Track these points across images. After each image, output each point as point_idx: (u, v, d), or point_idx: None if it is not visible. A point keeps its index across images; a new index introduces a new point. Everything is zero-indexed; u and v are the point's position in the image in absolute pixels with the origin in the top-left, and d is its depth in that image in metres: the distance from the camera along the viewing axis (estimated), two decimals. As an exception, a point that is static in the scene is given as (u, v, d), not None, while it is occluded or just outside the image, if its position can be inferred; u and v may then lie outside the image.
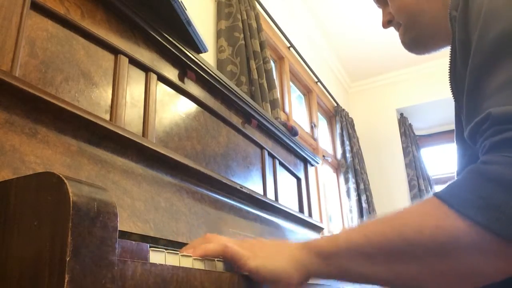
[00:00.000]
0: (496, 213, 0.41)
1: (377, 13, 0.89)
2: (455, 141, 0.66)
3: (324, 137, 3.64)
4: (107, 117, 0.76)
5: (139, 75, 0.87)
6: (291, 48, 2.90)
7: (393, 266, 0.48)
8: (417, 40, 0.78)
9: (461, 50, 0.56)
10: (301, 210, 1.59)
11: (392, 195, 3.90)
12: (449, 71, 0.62)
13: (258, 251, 0.57)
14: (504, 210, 0.41)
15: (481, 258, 0.43)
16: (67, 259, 0.33)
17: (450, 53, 0.62)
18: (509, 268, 0.43)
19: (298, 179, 1.64)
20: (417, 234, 0.45)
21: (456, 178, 0.47)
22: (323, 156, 3.33)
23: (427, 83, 3.99)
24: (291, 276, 0.54)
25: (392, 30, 0.85)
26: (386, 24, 0.83)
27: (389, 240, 0.47)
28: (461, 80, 0.57)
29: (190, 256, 0.54)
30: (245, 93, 1.72)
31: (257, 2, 2.36)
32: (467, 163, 0.59)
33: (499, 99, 0.46)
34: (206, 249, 0.56)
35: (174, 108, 0.96)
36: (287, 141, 1.53)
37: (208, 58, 1.76)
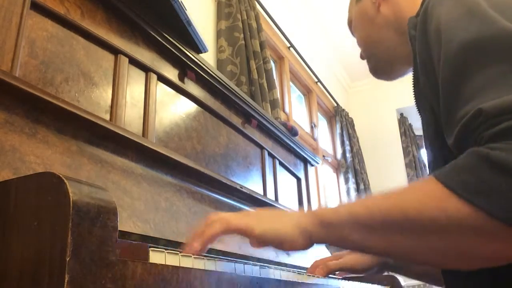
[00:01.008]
0: (497, 198, 0.41)
1: None
2: (424, 146, 0.69)
3: (324, 137, 3.64)
4: (107, 117, 0.76)
5: (139, 75, 0.87)
6: (291, 48, 2.90)
7: (391, 238, 0.49)
8: (376, 69, 0.84)
9: (422, 67, 0.58)
10: (301, 210, 1.59)
11: (392, 195, 3.89)
12: (413, 89, 0.65)
13: (263, 217, 0.60)
14: (506, 195, 0.41)
15: (479, 240, 0.44)
16: (67, 259, 0.33)
17: (413, 71, 0.64)
18: (507, 251, 0.44)
19: (298, 179, 1.64)
20: (418, 212, 0.46)
21: (455, 160, 0.47)
22: (323, 156, 3.33)
23: (427, 83, 3.99)
24: (295, 239, 0.57)
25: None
26: (364, 57, 0.88)
27: (390, 215, 0.49)
28: (425, 97, 0.59)
29: (190, 256, 0.54)
30: (245, 93, 1.72)
31: (257, 2, 2.36)
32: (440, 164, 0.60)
33: (484, 96, 0.46)
34: (211, 233, 0.57)
35: (174, 108, 0.96)
36: (287, 141, 1.52)
37: (208, 58, 1.76)
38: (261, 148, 1.36)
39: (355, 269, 0.96)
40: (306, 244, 0.58)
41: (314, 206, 1.79)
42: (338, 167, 3.55)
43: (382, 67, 0.84)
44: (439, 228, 0.45)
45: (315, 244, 0.59)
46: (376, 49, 0.81)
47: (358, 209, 0.53)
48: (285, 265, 1.02)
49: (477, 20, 0.51)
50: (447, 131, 0.53)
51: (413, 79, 0.64)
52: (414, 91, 0.65)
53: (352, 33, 0.92)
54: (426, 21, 0.58)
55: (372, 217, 0.50)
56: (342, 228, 0.53)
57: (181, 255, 0.52)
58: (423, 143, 0.71)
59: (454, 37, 0.52)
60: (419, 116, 0.67)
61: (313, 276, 0.90)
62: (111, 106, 0.77)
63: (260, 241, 0.58)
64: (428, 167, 0.67)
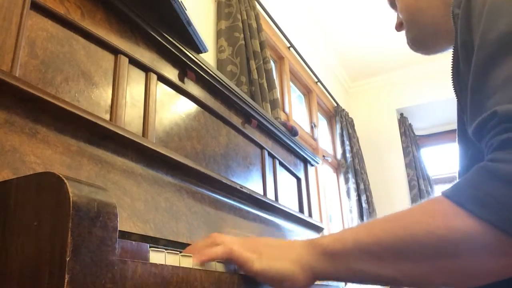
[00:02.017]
0: (503, 210, 0.41)
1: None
2: (457, 141, 0.66)
3: (324, 137, 3.64)
4: (107, 117, 0.76)
5: (139, 75, 0.87)
6: (291, 48, 2.90)
7: (402, 265, 0.47)
8: (417, 39, 0.78)
9: (463, 49, 0.56)
10: (301, 210, 1.59)
11: (392, 195, 3.90)
12: (451, 70, 0.62)
13: (263, 252, 0.57)
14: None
15: (490, 256, 0.43)
16: (67, 259, 0.33)
17: (452, 51, 0.61)
18: None
19: (298, 179, 1.64)
20: (428, 233, 0.45)
21: (461, 178, 0.46)
22: (323, 156, 3.33)
23: (427, 83, 3.99)
24: (296, 276, 0.54)
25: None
26: (399, 26, 0.83)
27: (399, 240, 0.47)
28: (463, 79, 0.56)
29: (190, 256, 0.54)
30: (245, 93, 1.72)
31: (257, 2, 2.36)
32: (469, 162, 0.59)
33: (504, 96, 0.46)
34: (212, 254, 0.56)
35: (174, 108, 0.96)
36: (287, 141, 1.53)
37: (208, 58, 1.76)
38: (261, 148, 1.36)
39: None
40: (308, 280, 0.55)
41: (314, 206, 1.78)
42: (338, 167, 3.55)
43: (423, 38, 0.77)
44: (449, 248, 0.44)
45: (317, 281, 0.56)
46: (421, 17, 0.75)
47: (363, 236, 0.50)
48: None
49: None
50: (469, 118, 0.52)
51: (452, 59, 0.61)
52: (452, 72, 0.61)
53: (391, 5, 0.84)
54: (471, 1, 0.56)
55: (379, 243, 0.48)
56: (348, 258, 0.51)
57: (181, 255, 0.52)
58: (456, 137, 0.65)
59: (495, 24, 0.50)
60: (457, 100, 0.63)
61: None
62: (111, 106, 0.77)
63: (259, 278, 0.56)
64: (460, 166, 0.62)
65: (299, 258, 0.54)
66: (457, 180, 0.54)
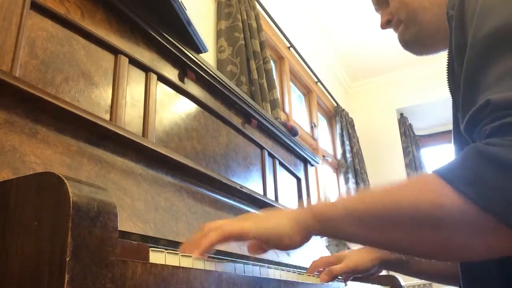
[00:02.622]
0: (492, 193, 0.42)
1: (377, 14, 0.88)
2: (452, 141, 0.66)
3: (324, 137, 3.64)
4: (107, 117, 0.76)
5: (139, 75, 0.87)
6: (291, 48, 2.90)
7: (386, 232, 0.50)
8: (416, 38, 0.77)
9: (457, 51, 0.57)
10: (301, 210, 1.59)
11: (392, 195, 3.89)
12: (447, 70, 0.62)
13: (257, 218, 0.61)
14: (500, 192, 0.41)
15: (473, 234, 0.44)
16: (67, 259, 0.33)
17: (448, 52, 0.62)
18: (499, 246, 0.45)
19: (298, 179, 1.64)
20: (413, 207, 0.47)
21: (456, 157, 0.47)
22: (323, 156, 3.33)
23: (427, 83, 3.99)
24: (292, 234, 0.57)
25: (392, 30, 0.84)
26: (385, 24, 0.82)
27: (385, 209, 0.49)
28: (458, 80, 0.57)
29: (190, 256, 0.54)
30: (245, 93, 1.72)
31: (257, 2, 2.36)
32: None
33: (498, 88, 0.46)
34: (207, 242, 0.57)
35: (174, 108, 0.96)
36: (287, 141, 1.52)
37: (208, 58, 1.76)
38: (261, 148, 1.36)
39: (358, 271, 0.96)
40: (304, 237, 0.58)
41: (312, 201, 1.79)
42: (338, 167, 3.55)
43: (423, 37, 0.75)
44: (434, 222, 0.45)
45: (313, 237, 0.59)
46: (423, 16, 0.72)
47: (354, 204, 0.53)
48: (285, 265, 1.02)
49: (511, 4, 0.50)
50: (461, 115, 0.53)
51: (447, 60, 0.61)
52: (447, 73, 0.62)
53: (377, 4, 0.82)
54: (464, 2, 0.56)
55: (367, 211, 0.51)
56: (338, 222, 0.54)
57: (181, 255, 0.52)
58: (451, 137, 0.66)
59: (486, 22, 0.51)
60: (452, 100, 0.64)
61: (312, 276, 0.90)
62: (111, 106, 0.77)
63: (258, 239, 0.58)
64: None
65: (294, 219, 0.58)
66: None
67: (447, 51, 0.62)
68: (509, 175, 0.41)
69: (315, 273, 0.92)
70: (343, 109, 3.80)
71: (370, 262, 0.95)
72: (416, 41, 0.77)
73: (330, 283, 0.92)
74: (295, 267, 1.08)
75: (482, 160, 0.43)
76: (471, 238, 0.45)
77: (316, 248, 1.44)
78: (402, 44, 0.79)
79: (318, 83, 3.42)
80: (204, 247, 0.56)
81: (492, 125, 0.45)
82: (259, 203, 1.16)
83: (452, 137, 0.66)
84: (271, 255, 0.98)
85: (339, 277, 0.96)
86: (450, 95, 0.63)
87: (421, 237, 0.47)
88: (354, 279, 1.30)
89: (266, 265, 0.83)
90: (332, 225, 0.55)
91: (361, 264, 0.94)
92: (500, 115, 0.44)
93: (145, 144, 0.75)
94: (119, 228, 0.39)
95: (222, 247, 0.81)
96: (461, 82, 0.53)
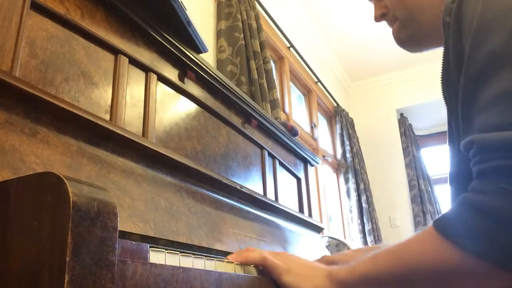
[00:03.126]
0: (483, 241, 0.45)
1: (370, 3, 0.86)
2: (447, 143, 0.67)
3: (324, 137, 3.64)
4: (107, 117, 0.76)
5: (139, 75, 0.87)
6: (291, 48, 2.90)
7: None
8: (413, 37, 0.76)
9: (455, 58, 0.57)
10: (301, 210, 1.59)
11: (392, 195, 3.90)
12: (441, 76, 0.63)
13: (292, 266, 0.67)
14: (491, 238, 0.45)
15: (477, 281, 0.48)
16: (67, 259, 0.33)
17: (442, 58, 0.62)
18: (502, 285, 0.48)
19: (298, 179, 1.64)
20: (420, 264, 0.52)
21: (451, 207, 0.51)
22: (323, 156, 3.33)
23: (427, 83, 3.99)
24: None
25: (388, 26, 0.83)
26: (379, 17, 0.81)
27: (397, 270, 0.55)
28: (453, 86, 0.58)
29: (190, 256, 0.54)
30: (245, 93, 1.72)
31: (257, 2, 2.36)
32: (459, 164, 0.61)
33: (483, 119, 0.49)
34: (247, 257, 0.66)
35: (174, 108, 0.96)
36: (287, 141, 1.53)
37: (208, 58, 1.76)
38: (261, 148, 1.36)
39: None
40: None
41: (314, 206, 1.78)
42: (338, 167, 3.55)
43: (419, 36, 0.74)
44: (439, 276, 0.50)
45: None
46: (421, 15, 0.71)
47: (369, 268, 0.59)
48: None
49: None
50: (462, 131, 0.55)
51: (442, 66, 0.62)
52: (442, 79, 0.63)
53: None
54: (462, 9, 0.56)
55: (381, 274, 0.56)
56: (357, 287, 0.59)
57: (181, 255, 0.52)
58: (447, 141, 0.67)
59: (484, 41, 0.51)
60: (446, 107, 0.65)
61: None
62: (111, 106, 0.77)
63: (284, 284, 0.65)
64: (451, 168, 0.65)
65: (320, 284, 0.63)
66: (449, 179, 0.62)
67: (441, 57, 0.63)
68: (498, 223, 0.44)
69: None
70: (343, 109, 3.80)
71: None
72: (412, 41, 0.77)
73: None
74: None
75: (471, 212, 0.47)
76: (476, 283, 0.49)
77: (316, 248, 1.44)
78: (397, 41, 0.79)
79: (318, 83, 3.42)
80: (243, 260, 0.66)
81: (478, 167, 0.48)
82: (259, 203, 1.16)
83: (447, 139, 0.67)
84: (271, 255, 0.98)
85: None
86: (444, 101, 0.64)
87: None
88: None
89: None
90: None
91: None
92: (484, 158, 0.47)
93: (145, 144, 0.75)
94: (119, 228, 0.39)
95: (222, 247, 0.81)
96: (459, 95, 0.55)
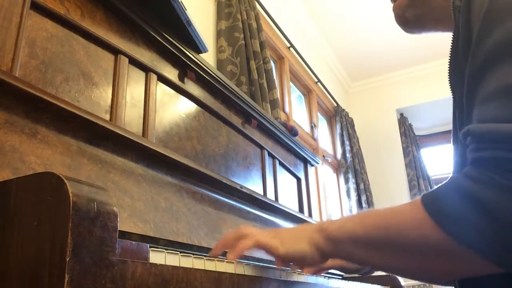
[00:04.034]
0: (466, 227, 0.46)
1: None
2: (451, 139, 0.66)
3: (324, 137, 3.64)
4: (107, 117, 0.76)
5: (139, 75, 0.87)
6: (291, 48, 2.90)
7: (382, 255, 0.56)
8: (419, 18, 0.72)
9: (463, 43, 0.56)
10: (301, 210, 1.59)
11: (392, 195, 3.89)
12: (449, 61, 0.62)
13: (283, 237, 0.66)
14: (473, 226, 0.45)
15: (450, 263, 0.50)
16: (67, 259, 0.33)
17: (451, 43, 0.60)
18: (482, 269, 0.48)
19: (298, 179, 1.64)
20: (403, 235, 0.53)
21: (442, 185, 0.51)
22: (323, 156, 3.33)
23: (427, 83, 3.99)
24: (313, 255, 0.63)
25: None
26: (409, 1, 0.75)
27: (378, 235, 0.55)
28: (460, 72, 0.57)
29: (190, 256, 0.54)
30: (245, 93, 1.72)
31: (257, 2, 2.36)
32: (464, 165, 0.60)
33: (483, 111, 0.49)
34: (243, 247, 0.64)
35: (174, 108, 0.96)
36: (287, 141, 1.52)
37: (208, 58, 1.76)
38: (261, 148, 1.36)
39: (347, 268, 0.95)
40: (322, 258, 0.64)
41: (314, 206, 1.78)
42: (338, 167, 3.55)
43: (424, 20, 0.72)
44: (420, 250, 0.51)
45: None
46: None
47: (356, 227, 0.59)
48: (285, 265, 1.02)
49: None
50: (465, 120, 0.55)
51: (450, 51, 0.61)
52: (449, 64, 0.62)
53: None
54: None
55: (366, 235, 0.57)
56: (345, 245, 0.60)
57: (181, 255, 0.52)
58: (451, 135, 0.67)
59: (494, 28, 0.50)
60: (452, 94, 0.64)
61: (313, 275, 0.90)
62: (111, 106, 0.77)
63: (285, 260, 0.65)
64: (454, 165, 0.65)
65: (312, 241, 0.63)
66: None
67: (448, 49, 0.62)
68: (483, 213, 0.45)
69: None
70: (343, 109, 3.80)
71: None
72: (417, 22, 0.73)
73: (330, 283, 0.92)
74: (295, 267, 1.08)
75: (460, 196, 0.47)
76: (451, 265, 0.50)
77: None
78: (398, 18, 0.75)
79: (318, 83, 3.42)
80: (240, 251, 0.63)
81: (472, 154, 0.48)
82: (259, 203, 1.16)
83: (452, 136, 0.66)
84: (271, 255, 0.98)
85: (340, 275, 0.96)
86: (450, 88, 0.63)
87: (412, 261, 0.53)
88: (354, 279, 1.30)
89: (266, 265, 0.83)
90: (341, 247, 0.61)
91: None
92: (478, 147, 0.47)
93: (145, 144, 0.75)
94: (119, 228, 0.39)
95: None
96: (465, 84, 0.54)
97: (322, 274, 1.00)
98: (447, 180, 0.51)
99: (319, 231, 0.64)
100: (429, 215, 0.49)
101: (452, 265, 0.50)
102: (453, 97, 0.64)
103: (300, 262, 0.65)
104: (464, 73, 0.55)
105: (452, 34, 0.60)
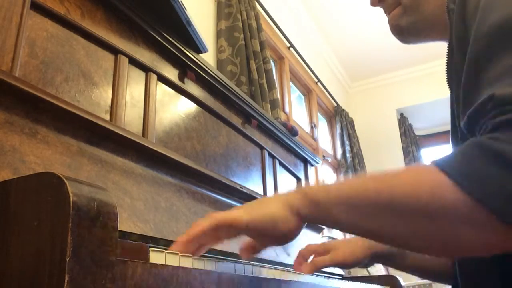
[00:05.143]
0: (491, 188, 0.41)
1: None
2: (450, 140, 0.66)
3: (324, 137, 3.64)
4: (107, 117, 0.76)
5: (139, 75, 0.87)
6: (291, 48, 2.90)
7: (379, 222, 0.49)
8: (413, 27, 0.73)
9: (458, 43, 0.56)
10: (301, 210, 1.59)
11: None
12: (446, 63, 0.62)
13: (250, 205, 0.58)
14: (500, 188, 0.41)
15: (470, 229, 0.44)
16: (67, 259, 0.33)
17: (448, 45, 0.62)
18: (494, 243, 0.44)
19: (298, 179, 1.64)
20: (409, 196, 0.46)
21: (456, 149, 0.46)
22: (323, 156, 3.33)
23: (427, 83, 3.99)
24: (287, 219, 0.55)
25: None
26: (377, 2, 0.78)
27: (379, 197, 0.48)
28: (457, 71, 0.57)
29: (190, 256, 0.54)
30: (245, 93, 1.72)
31: (257, 2, 2.36)
32: None
33: (500, 84, 0.46)
34: (198, 228, 0.55)
35: (174, 108, 0.96)
36: (287, 141, 1.52)
37: (208, 58, 1.76)
38: (261, 148, 1.36)
39: (346, 264, 0.91)
40: (298, 224, 0.56)
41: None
42: (338, 167, 3.55)
43: (419, 27, 0.72)
44: (430, 213, 0.45)
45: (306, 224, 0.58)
46: (426, 5, 0.70)
47: (347, 189, 0.52)
48: (285, 265, 1.02)
49: None
50: (462, 111, 0.52)
51: (447, 52, 0.61)
52: (447, 68, 0.62)
53: None
54: None
55: (360, 198, 0.49)
56: (330, 207, 0.52)
57: (181, 255, 0.52)
58: (449, 136, 0.66)
59: (489, 17, 0.50)
60: (450, 94, 0.64)
61: (312, 275, 0.90)
62: (111, 106, 0.77)
63: (252, 228, 0.55)
64: None
65: (286, 201, 0.56)
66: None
67: (446, 44, 0.62)
68: (511, 172, 0.40)
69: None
70: (343, 109, 3.80)
71: (361, 254, 0.89)
72: (411, 30, 0.74)
73: (329, 283, 0.92)
74: (295, 267, 1.08)
75: (484, 155, 0.42)
76: (466, 232, 0.44)
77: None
78: (393, 28, 0.75)
79: (318, 83, 3.42)
80: (196, 233, 0.54)
81: (495, 120, 0.44)
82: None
83: (450, 137, 0.66)
84: (271, 255, 0.98)
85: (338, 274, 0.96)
86: (448, 87, 0.63)
87: (415, 228, 0.46)
88: (354, 279, 1.30)
89: (266, 265, 0.83)
90: (323, 210, 0.53)
91: (350, 256, 0.88)
92: (503, 110, 0.43)
93: (145, 144, 0.75)
94: (119, 228, 0.39)
95: (222, 247, 0.81)
96: (462, 76, 0.53)
97: (322, 274, 1.00)
98: (463, 146, 0.45)
99: (298, 192, 0.56)
100: (446, 173, 0.44)
101: (467, 231, 0.44)
102: (451, 97, 0.64)
103: (271, 229, 0.55)
104: (460, 71, 0.54)
105: (449, 36, 0.60)
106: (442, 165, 0.45)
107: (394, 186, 0.47)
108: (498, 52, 0.48)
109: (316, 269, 0.85)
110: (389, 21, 0.76)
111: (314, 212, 0.54)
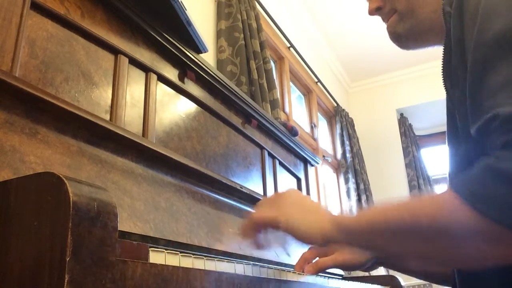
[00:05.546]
0: (502, 206, 0.44)
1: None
2: (446, 140, 0.67)
3: (324, 137, 3.64)
4: (107, 117, 0.76)
5: (139, 75, 0.87)
6: (291, 48, 2.90)
7: (405, 245, 0.55)
8: (410, 32, 0.75)
9: (457, 47, 0.57)
10: (301, 210, 1.59)
11: (392, 195, 3.89)
12: (442, 66, 0.63)
13: (290, 212, 0.67)
14: (510, 204, 0.44)
15: (488, 246, 0.48)
16: (67, 259, 0.33)
17: (443, 48, 0.62)
18: (508, 254, 0.48)
19: (298, 179, 1.64)
20: (432, 223, 0.50)
21: (468, 171, 0.50)
22: (323, 156, 3.33)
23: (427, 83, 3.99)
24: (315, 239, 0.64)
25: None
26: (374, 11, 0.79)
27: (405, 225, 0.53)
28: (455, 75, 0.58)
29: (190, 256, 0.54)
30: (245, 93, 1.72)
31: (257, 2, 2.36)
32: (460, 162, 0.61)
33: (503, 98, 0.48)
34: (246, 227, 0.67)
35: (174, 108, 0.96)
36: (287, 141, 1.52)
37: (208, 58, 1.76)
38: (261, 148, 1.36)
39: (348, 266, 0.92)
40: (324, 242, 0.64)
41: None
42: (338, 167, 3.55)
43: (416, 32, 0.74)
44: (451, 236, 0.49)
45: None
46: (421, 9, 0.72)
47: (377, 218, 0.57)
48: (285, 265, 1.02)
49: None
50: (471, 118, 0.54)
51: (443, 56, 0.62)
52: (443, 69, 0.63)
53: None
54: (463, 0, 0.57)
55: (389, 227, 0.55)
56: (361, 235, 0.59)
57: (181, 255, 0.52)
58: (446, 140, 0.67)
59: (490, 24, 0.51)
60: (447, 97, 0.65)
61: (312, 275, 0.90)
62: (111, 106, 0.77)
63: (282, 230, 0.65)
64: (450, 167, 0.66)
65: (321, 227, 0.64)
66: (452, 177, 0.62)
67: (442, 47, 0.63)
68: None
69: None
70: (343, 109, 3.80)
71: (363, 257, 0.90)
72: (409, 36, 0.75)
73: (330, 283, 0.92)
74: (295, 267, 1.07)
75: (492, 176, 0.46)
76: (486, 249, 0.48)
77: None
78: (392, 35, 0.77)
79: (318, 83, 3.42)
80: (245, 230, 0.67)
81: (503, 138, 0.47)
82: (259, 203, 1.16)
83: (447, 136, 0.67)
84: (271, 254, 0.98)
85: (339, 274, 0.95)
86: (445, 91, 0.64)
87: (438, 250, 0.51)
88: (354, 279, 1.30)
89: (266, 265, 0.83)
90: (354, 238, 0.61)
91: (352, 259, 0.90)
92: (509, 129, 0.46)
93: (145, 144, 0.75)
94: (119, 228, 0.39)
95: (222, 247, 0.81)
96: (467, 81, 0.54)
97: (322, 274, 1.00)
98: (476, 170, 0.49)
99: (333, 221, 0.63)
100: (464, 201, 0.48)
101: (487, 249, 0.48)
102: (447, 98, 0.64)
103: (299, 239, 0.66)
104: (458, 73, 0.56)
105: (445, 39, 0.61)
106: (456, 190, 0.49)
107: (416, 214, 0.53)
108: (499, 62, 0.49)
109: (319, 270, 0.88)
110: (387, 29, 0.78)
111: (344, 239, 0.62)
